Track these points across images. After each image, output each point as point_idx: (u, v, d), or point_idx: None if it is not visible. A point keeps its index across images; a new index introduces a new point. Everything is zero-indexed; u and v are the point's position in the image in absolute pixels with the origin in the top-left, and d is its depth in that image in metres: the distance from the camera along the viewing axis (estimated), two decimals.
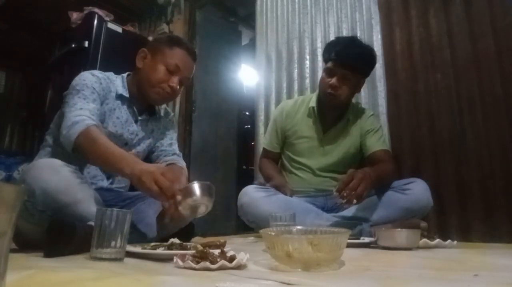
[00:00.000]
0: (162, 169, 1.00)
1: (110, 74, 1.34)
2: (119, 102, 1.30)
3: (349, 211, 1.45)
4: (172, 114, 1.55)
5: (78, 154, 1.09)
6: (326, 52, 1.60)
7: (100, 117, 1.24)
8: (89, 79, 1.23)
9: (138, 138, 1.36)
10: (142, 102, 1.35)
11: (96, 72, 1.29)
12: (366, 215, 1.41)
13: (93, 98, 1.20)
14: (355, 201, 1.21)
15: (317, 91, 1.73)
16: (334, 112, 1.66)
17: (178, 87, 1.30)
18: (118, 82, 1.33)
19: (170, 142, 1.47)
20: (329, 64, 1.54)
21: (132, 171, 0.98)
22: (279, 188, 1.54)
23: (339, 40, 1.64)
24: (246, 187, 1.54)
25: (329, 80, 1.53)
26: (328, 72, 1.55)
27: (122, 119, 1.30)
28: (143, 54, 1.32)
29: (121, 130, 1.30)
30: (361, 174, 1.25)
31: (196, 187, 1.00)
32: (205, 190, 1.02)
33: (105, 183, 1.30)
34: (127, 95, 1.31)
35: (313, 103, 1.67)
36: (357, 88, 1.62)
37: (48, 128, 1.32)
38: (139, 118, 1.36)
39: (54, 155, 1.20)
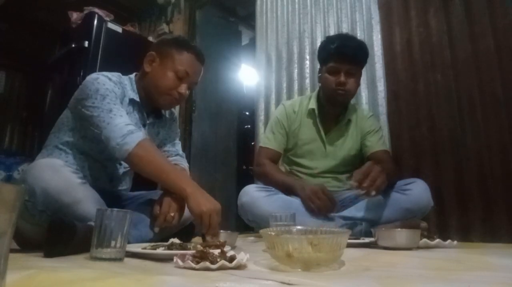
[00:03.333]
0: (218, 208, 1.05)
1: (120, 77, 1.29)
2: (130, 106, 1.28)
3: (349, 211, 1.45)
4: (176, 114, 1.54)
5: (129, 163, 1.11)
6: (323, 52, 1.59)
7: None
8: (109, 84, 1.19)
9: None
10: (150, 105, 1.33)
11: (110, 75, 1.24)
12: (366, 215, 1.41)
13: (120, 105, 1.18)
14: (373, 192, 1.21)
15: (315, 93, 1.72)
16: (335, 112, 1.66)
17: (185, 91, 1.27)
18: (127, 86, 1.29)
19: (174, 142, 1.47)
20: (331, 63, 1.54)
21: (193, 192, 1.05)
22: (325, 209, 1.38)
23: (332, 38, 1.62)
24: (246, 186, 1.53)
25: (335, 79, 1.53)
26: (333, 70, 1.55)
27: (132, 123, 1.28)
28: (151, 58, 1.28)
29: None
30: (379, 166, 1.25)
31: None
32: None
33: (107, 186, 1.29)
34: (138, 100, 1.29)
35: (312, 105, 1.66)
36: (358, 84, 1.63)
37: (51, 127, 1.28)
38: (147, 122, 1.34)
39: (57, 155, 1.19)
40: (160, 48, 1.30)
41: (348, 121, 1.66)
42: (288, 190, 1.52)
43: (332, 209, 1.38)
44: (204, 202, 1.04)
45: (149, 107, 1.34)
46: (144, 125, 1.32)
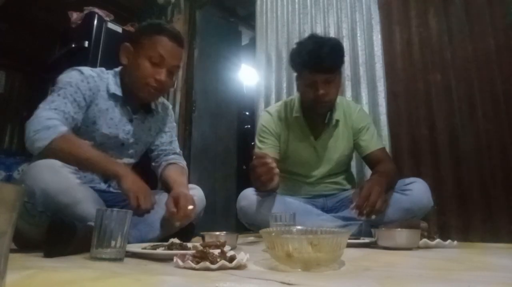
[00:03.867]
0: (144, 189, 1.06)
1: (101, 71, 1.26)
2: (112, 102, 1.23)
3: (349, 211, 1.44)
4: (171, 107, 1.49)
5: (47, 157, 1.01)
6: (295, 62, 1.48)
7: (91, 119, 1.20)
8: (75, 78, 1.16)
9: (135, 137, 1.31)
10: (137, 99, 1.28)
11: (85, 69, 1.21)
12: None
13: (74, 99, 1.14)
14: (373, 216, 1.22)
15: (297, 97, 1.63)
16: (321, 116, 1.59)
17: (166, 79, 1.21)
18: (110, 80, 1.25)
19: (170, 140, 1.43)
20: (306, 74, 1.44)
21: (126, 173, 1.05)
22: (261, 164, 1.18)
23: (303, 47, 1.45)
24: (245, 190, 1.50)
25: (313, 91, 1.43)
26: (309, 82, 1.44)
27: (116, 119, 1.25)
28: (126, 50, 1.23)
29: (116, 131, 1.25)
30: (378, 186, 1.24)
31: None
32: None
33: (102, 186, 1.28)
34: (121, 94, 1.24)
35: (297, 112, 1.58)
36: (340, 84, 1.54)
37: None
38: (134, 117, 1.29)
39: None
40: (134, 38, 1.24)
41: (337, 122, 1.59)
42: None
43: (271, 178, 1.19)
44: (134, 182, 1.05)
45: (137, 101, 1.29)
46: (130, 121, 1.28)
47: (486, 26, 1.74)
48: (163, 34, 1.20)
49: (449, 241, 1.15)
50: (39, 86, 3.17)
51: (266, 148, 1.57)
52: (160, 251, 0.86)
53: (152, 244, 0.97)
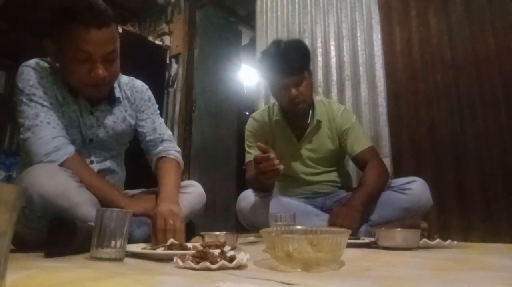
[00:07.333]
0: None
1: (53, 61, 1.15)
2: (68, 94, 1.14)
3: None
4: (146, 88, 1.35)
5: None
6: (263, 70, 1.53)
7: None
8: (33, 76, 1.08)
9: (105, 131, 1.22)
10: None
11: (35, 62, 1.12)
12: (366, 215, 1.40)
13: (50, 102, 1.09)
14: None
15: (276, 102, 1.64)
16: (301, 116, 1.59)
17: (104, 72, 1.07)
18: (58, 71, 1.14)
19: (153, 127, 1.32)
20: (276, 79, 1.48)
21: (127, 202, 1.08)
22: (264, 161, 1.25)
23: (268, 54, 1.50)
24: (244, 191, 1.51)
25: (287, 93, 1.47)
26: (282, 86, 1.48)
27: (74, 114, 1.16)
28: (47, 49, 1.10)
29: (77, 127, 1.17)
30: (344, 212, 1.26)
31: None
32: None
33: None
34: (66, 87, 1.14)
35: (277, 116, 1.60)
36: (312, 83, 1.58)
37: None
38: (95, 108, 1.19)
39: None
40: (50, 33, 1.09)
41: (318, 123, 1.58)
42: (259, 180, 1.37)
43: (276, 172, 1.25)
44: (138, 208, 1.08)
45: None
46: (91, 113, 1.19)
47: (486, 26, 1.74)
48: (77, 22, 1.02)
49: (449, 241, 1.15)
50: None
51: (254, 154, 1.57)
52: (160, 251, 0.86)
53: (152, 244, 0.97)
